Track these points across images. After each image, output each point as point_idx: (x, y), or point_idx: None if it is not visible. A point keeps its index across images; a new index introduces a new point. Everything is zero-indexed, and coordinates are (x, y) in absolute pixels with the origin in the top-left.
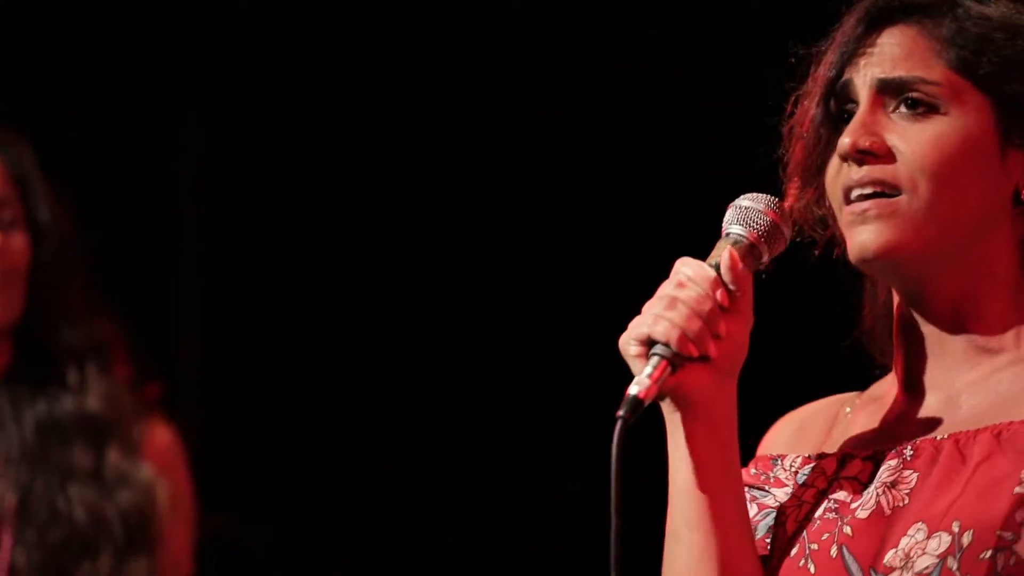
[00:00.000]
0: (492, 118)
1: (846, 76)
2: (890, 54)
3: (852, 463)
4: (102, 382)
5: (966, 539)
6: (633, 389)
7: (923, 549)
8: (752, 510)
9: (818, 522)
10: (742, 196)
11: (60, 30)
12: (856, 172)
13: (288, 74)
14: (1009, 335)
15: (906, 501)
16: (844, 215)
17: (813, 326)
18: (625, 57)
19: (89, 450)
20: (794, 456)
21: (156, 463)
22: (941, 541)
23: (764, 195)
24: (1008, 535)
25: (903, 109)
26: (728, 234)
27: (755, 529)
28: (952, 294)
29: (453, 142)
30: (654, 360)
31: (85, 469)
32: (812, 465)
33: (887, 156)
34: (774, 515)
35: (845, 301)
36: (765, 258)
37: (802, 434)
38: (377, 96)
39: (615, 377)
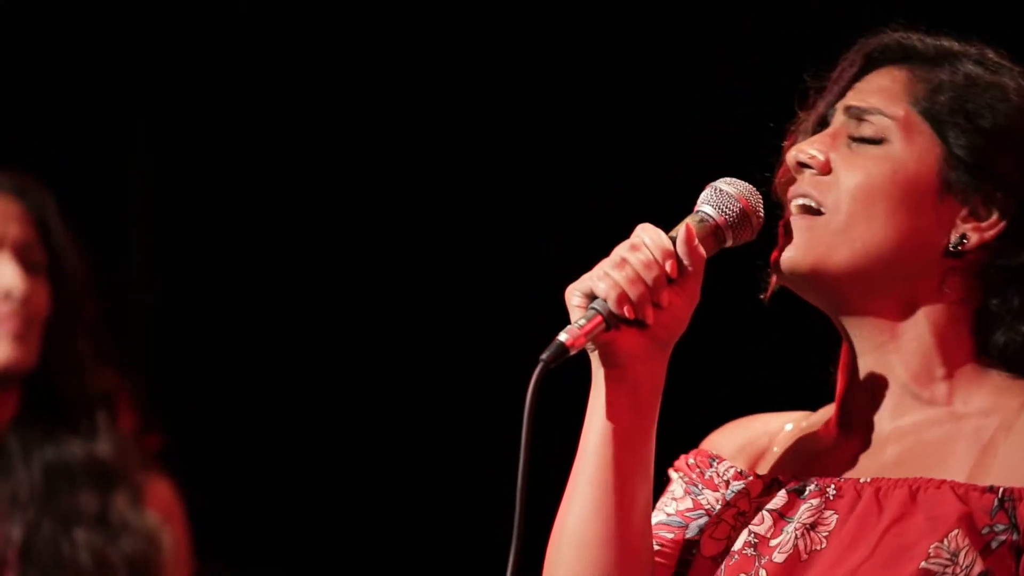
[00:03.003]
0: (450, 111)
1: (834, 107)
2: (869, 88)
3: (777, 492)
4: (111, 430)
5: None
6: (562, 336)
7: None
8: (686, 503)
9: (736, 556)
10: (722, 178)
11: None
12: (796, 184)
13: (241, 59)
14: (940, 389)
15: (823, 544)
16: (780, 228)
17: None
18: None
19: (96, 495)
20: (728, 464)
21: (158, 514)
22: None
23: (743, 182)
24: None
25: (857, 136)
26: (697, 211)
27: (687, 526)
28: (877, 333)
29: (414, 131)
30: (589, 313)
31: (91, 514)
32: (741, 482)
33: (825, 173)
34: (705, 520)
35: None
36: (729, 243)
37: (744, 444)
38: (328, 84)
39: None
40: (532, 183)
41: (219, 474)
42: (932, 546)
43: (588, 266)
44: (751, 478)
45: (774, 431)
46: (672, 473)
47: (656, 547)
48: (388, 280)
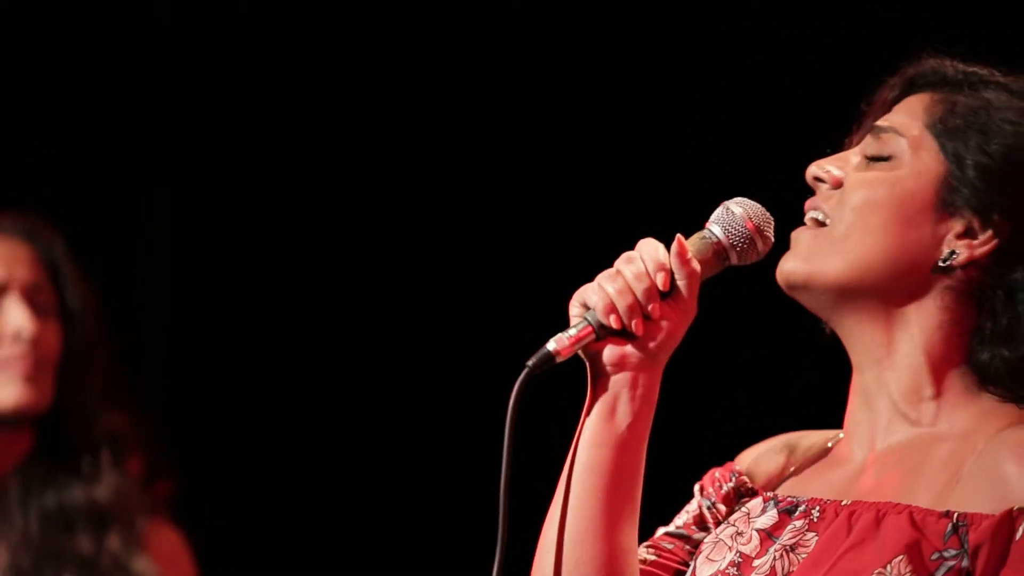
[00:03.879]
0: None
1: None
2: (898, 110)
3: (770, 512)
4: (114, 473)
5: None
6: (550, 344)
7: None
8: (696, 516)
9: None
10: (735, 198)
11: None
12: (811, 199)
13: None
14: (928, 409)
15: (798, 566)
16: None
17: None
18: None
19: (90, 537)
20: (744, 480)
21: (161, 563)
22: None
23: (754, 204)
24: None
25: (871, 155)
26: (706, 229)
27: (689, 538)
28: (874, 348)
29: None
30: (580, 323)
31: (82, 556)
32: (747, 500)
33: (837, 188)
34: (707, 535)
35: None
36: (733, 261)
37: (767, 461)
38: (344, 115)
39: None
40: (541, 192)
41: (234, 513)
42: (875, 571)
43: (592, 270)
44: (756, 497)
45: (799, 449)
46: (696, 486)
47: (653, 556)
48: (402, 316)
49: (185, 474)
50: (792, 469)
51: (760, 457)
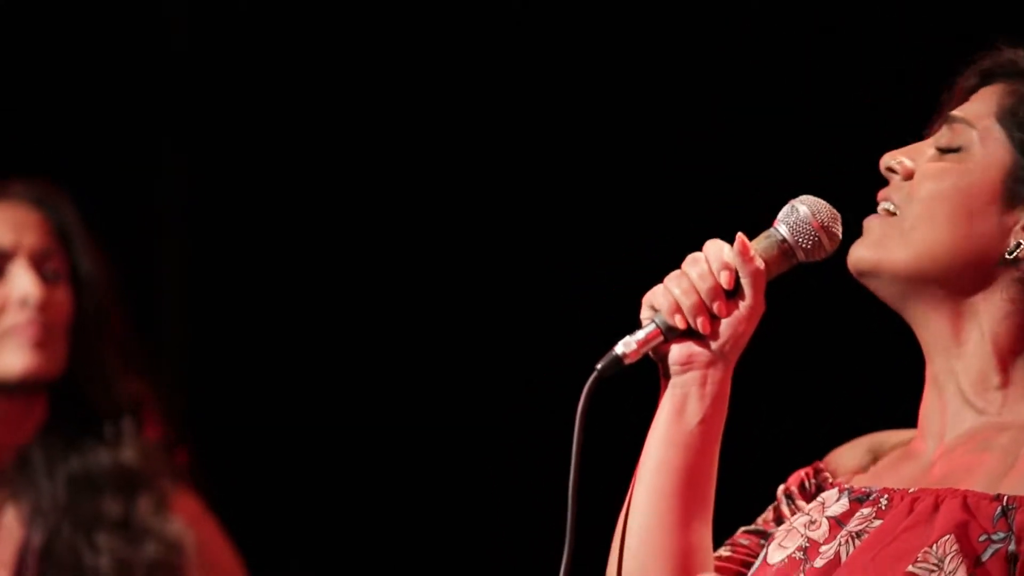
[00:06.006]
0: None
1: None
2: (972, 101)
3: (842, 501)
4: (137, 436)
5: None
6: (619, 348)
7: None
8: (775, 514)
9: (786, 560)
10: (803, 197)
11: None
12: (884, 189)
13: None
14: (994, 398)
15: None
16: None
17: None
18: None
19: (119, 500)
20: (825, 475)
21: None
22: None
23: (820, 201)
24: None
25: (942, 146)
26: (772, 228)
27: (765, 533)
28: (942, 337)
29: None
30: (648, 325)
31: (113, 518)
32: (824, 493)
33: (908, 179)
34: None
35: None
36: (800, 259)
37: (854, 456)
38: (372, 116)
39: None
40: (619, 195)
41: (249, 486)
42: (922, 551)
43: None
44: (833, 489)
45: (883, 447)
46: (780, 487)
47: (728, 552)
48: (429, 308)
49: (204, 450)
50: (873, 465)
51: (845, 455)
